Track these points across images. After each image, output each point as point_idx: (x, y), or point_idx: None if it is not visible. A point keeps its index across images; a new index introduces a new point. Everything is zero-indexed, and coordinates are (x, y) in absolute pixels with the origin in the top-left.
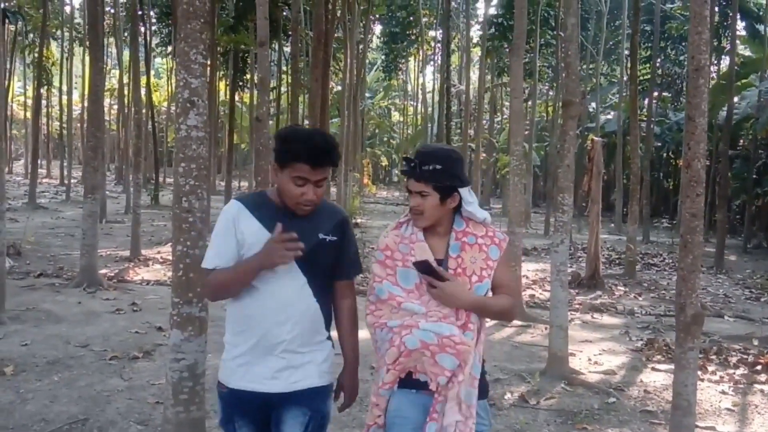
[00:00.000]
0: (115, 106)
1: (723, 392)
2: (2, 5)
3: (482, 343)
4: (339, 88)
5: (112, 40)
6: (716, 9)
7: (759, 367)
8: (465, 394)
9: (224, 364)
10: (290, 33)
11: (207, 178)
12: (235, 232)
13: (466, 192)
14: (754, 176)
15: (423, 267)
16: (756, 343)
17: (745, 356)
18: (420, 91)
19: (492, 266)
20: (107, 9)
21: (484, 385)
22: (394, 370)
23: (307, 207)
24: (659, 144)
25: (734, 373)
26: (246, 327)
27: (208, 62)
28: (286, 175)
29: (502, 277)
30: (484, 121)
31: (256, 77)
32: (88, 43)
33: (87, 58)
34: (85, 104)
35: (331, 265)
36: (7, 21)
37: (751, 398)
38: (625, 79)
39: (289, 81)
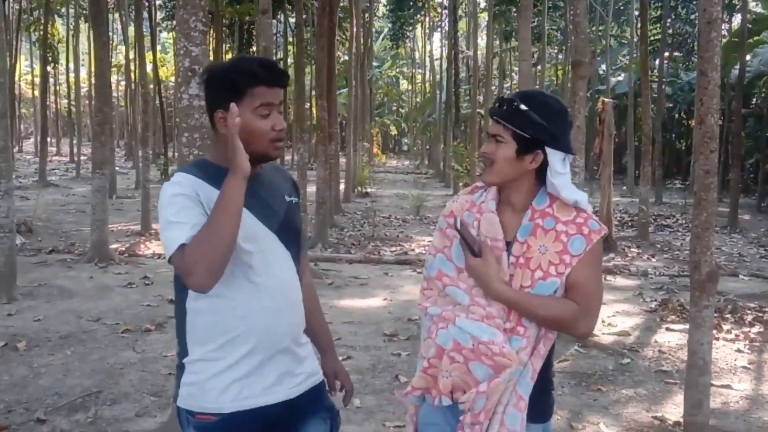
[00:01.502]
0: (123, 83)
1: (738, 351)
2: None
3: (542, 357)
4: (346, 57)
5: (117, 16)
6: None
7: None
8: (509, 418)
9: (200, 387)
10: (295, 2)
11: (210, 147)
12: (201, 203)
13: (557, 157)
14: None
15: (464, 232)
16: None
17: (761, 314)
18: (428, 59)
19: (569, 263)
20: None
21: (546, 405)
22: (424, 374)
23: (281, 142)
24: (671, 105)
25: (749, 332)
26: (240, 330)
27: (212, 33)
28: (245, 111)
29: (578, 277)
30: (493, 87)
31: (260, 47)
32: (91, 18)
33: (92, 34)
34: (93, 81)
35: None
36: None
37: (767, 356)
38: (635, 40)
39: (295, 52)
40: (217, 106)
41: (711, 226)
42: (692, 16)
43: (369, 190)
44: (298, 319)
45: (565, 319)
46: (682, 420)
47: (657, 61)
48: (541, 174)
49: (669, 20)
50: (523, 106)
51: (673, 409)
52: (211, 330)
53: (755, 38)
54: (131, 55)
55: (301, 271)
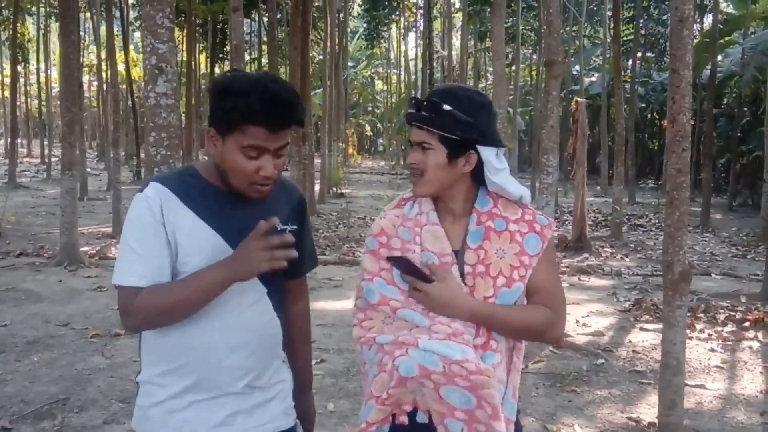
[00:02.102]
0: (95, 83)
1: (712, 350)
2: None
3: (518, 372)
4: (320, 57)
5: (89, 15)
6: None
7: (747, 324)
8: None
9: (144, 412)
10: (268, 1)
11: (179, 147)
12: (164, 229)
13: (491, 154)
14: (739, 134)
15: (402, 265)
16: (743, 300)
17: (733, 313)
18: (403, 59)
19: (529, 264)
20: None
21: (518, 429)
22: (382, 406)
23: (264, 187)
24: (643, 105)
25: (722, 331)
26: (183, 361)
27: (185, 32)
28: (232, 145)
29: (541, 279)
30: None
31: (232, 45)
32: (60, 17)
33: (61, 33)
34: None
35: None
36: None
37: (740, 355)
38: (608, 40)
39: (268, 51)
40: (211, 123)
41: (684, 226)
42: (664, 17)
43: (344, 190)
44: (258, 357)
45: (541, 326)
46: (656, 420)
47: (630, 62)
48: (476, 174)
49: (641, 21)
50: (446, 107)
51: (648, 410)
52: (157, 352)
53: (726, 38)
54: (103, 55)
55: (288, 302)
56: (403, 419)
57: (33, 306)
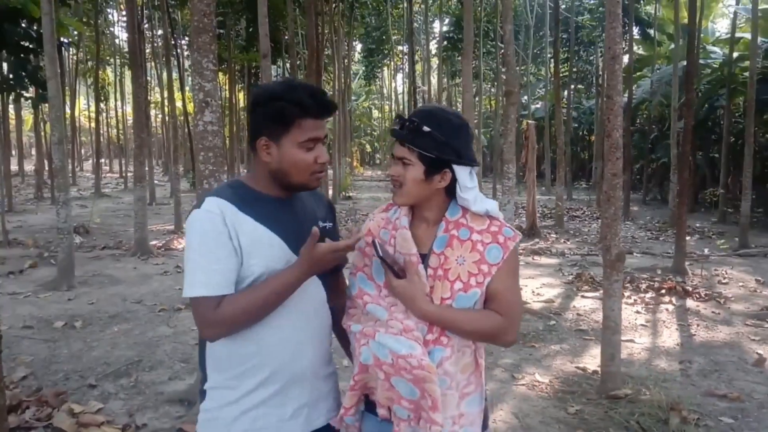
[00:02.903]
0: (160, 116)
1: (637, 312)
2: (64, 40)
3: (482, 370)
4: (331, 93)
5: (154, 64)
6: None
7: (663, 291)
8: None
9: (213, 414)
10: (290, 50)
11: (224, 163)
12: (231, 239)
13: (464, 173)
14: (649, 146)
15: (384, 254)
16: (659, 272)
17: (652, 283)
18: (393, 93)
19: (487, 272)
20: (149, 37)
21: (484, 417)
22: (352, 391)
23: (321, 174)
24: (576, 125)
25: (644, 297)
26: (254, 361)
27: (227, 76)
28: (291, 143)
29: (498, 287)
30: None
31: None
32: (131, 66)
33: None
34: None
35: None
36: (64, 49)
37: (659, 315)
38: (549, 76)
39: None
40: (261, 133)
41: (618, 217)
42: (591, 57)
43: (351, 194)
44: (321, 352)
45: (491, 331)
46: (599, 369)
47: (566, 92)
48: (450, 188)
49: (574, 61)
50: (425, 128)
51: (591, 360)
52: (227, 359)
53: (638, 73)
54: (165, 94)
55: (335, 295)
56: (384, 413)
57: (113, 288)
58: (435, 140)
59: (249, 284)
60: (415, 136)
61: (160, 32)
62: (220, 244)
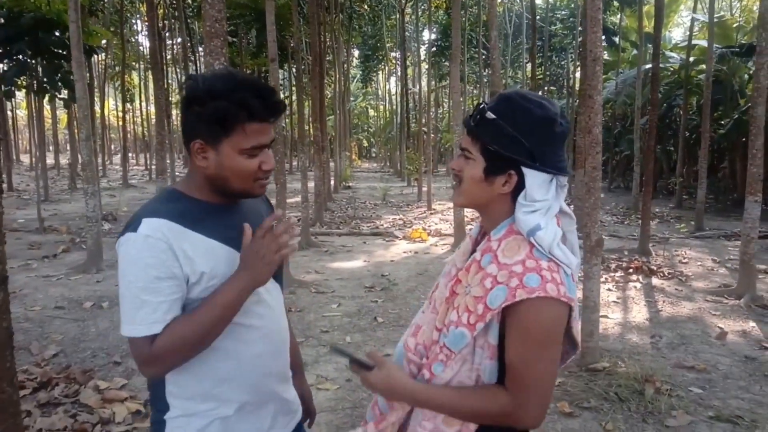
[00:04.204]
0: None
1: (609, 290)
2: (96, 48)
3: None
4: (332, 94)
5: (174, 68)
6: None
7: (631, 270)
8: None
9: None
10: (295, 56)
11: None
12: (181, 266)
13: (536, 180)
14: (613, 140)
15: (345, 355)
16: (627, 253)
17: (621, 263)
18: (387, 94)
19: (481, 316)
20: (169, 44)
21: None
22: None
23: (266, 181)
24: None
25: (614, 276)
26: (226, 382)
27: None
28: (229, 149)
29: (510, 357)
30: (431, 113)
31: None
32: (152, 70)
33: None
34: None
35: None
36: (93, 54)
37: (629, 293)
38: (525, 79)
39: (296, 90)
40: (196, 135)
41: (598, 206)
42: (562, 62)
43: (350, 184)
44: (287, 357)
45: (493, 412)
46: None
47: (540, 93)
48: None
49: (547, 65)
50: (490, 114)
51: None
52: (197, 381)
53: (605, 76)
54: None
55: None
56: None
57: None
58: (501, 132)
59: None
60: (479, 125)
61: (179, 40)
62: (162, 274)
